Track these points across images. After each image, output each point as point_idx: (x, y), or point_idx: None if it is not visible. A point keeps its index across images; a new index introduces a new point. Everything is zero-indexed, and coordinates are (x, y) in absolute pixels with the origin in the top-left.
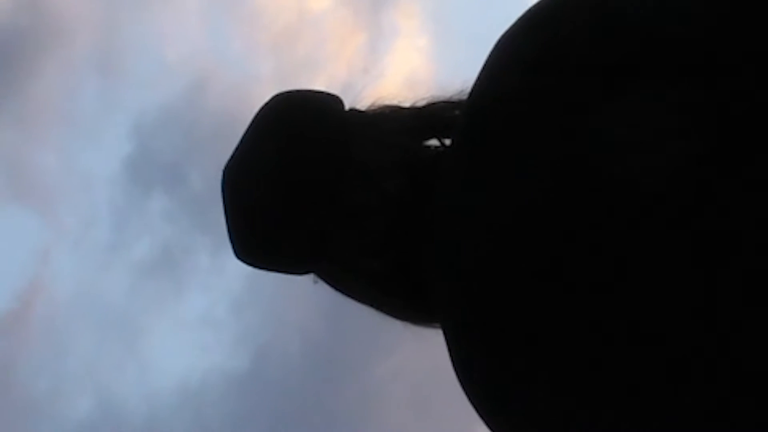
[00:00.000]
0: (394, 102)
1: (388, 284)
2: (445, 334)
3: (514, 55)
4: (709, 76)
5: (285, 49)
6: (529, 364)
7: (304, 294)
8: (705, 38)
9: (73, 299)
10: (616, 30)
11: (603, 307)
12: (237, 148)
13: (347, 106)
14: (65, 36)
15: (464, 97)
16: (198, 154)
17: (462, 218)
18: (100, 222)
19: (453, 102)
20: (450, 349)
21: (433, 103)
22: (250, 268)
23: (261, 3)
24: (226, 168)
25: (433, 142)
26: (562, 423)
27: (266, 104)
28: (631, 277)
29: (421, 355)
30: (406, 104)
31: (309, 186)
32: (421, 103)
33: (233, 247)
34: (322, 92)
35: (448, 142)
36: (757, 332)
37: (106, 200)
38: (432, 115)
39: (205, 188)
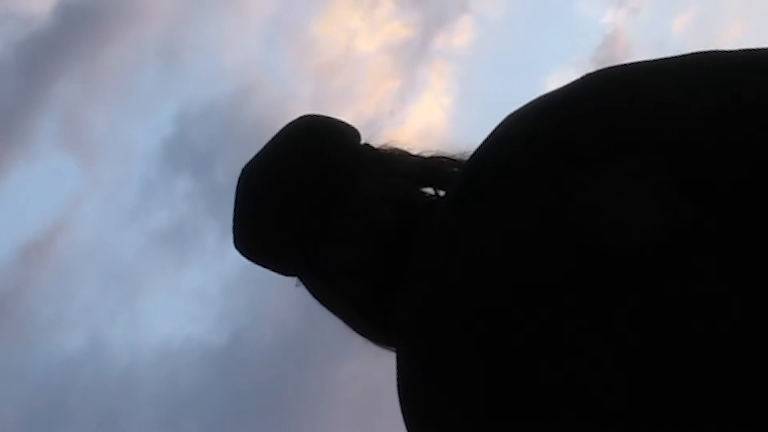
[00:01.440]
0: (405, 148)
1: (357, 303)
2: (397, 357)
3: (515, 133)
4: (677, 168)
5: (326, 78)
6: (454, 399)
7: (286, 292)
8: (679, 137)
9: (89, 245)
10: (601, 126)
11: (531, 372)
12: (259, 153)
13: (364, 141)
14: (141, 18)
15: (465, 158)
16: (228, 151)
17: (432, 267)
18: (129, 186)
19: (455, 160)
20: (398, 370)
21: (437, 157)
22: (244, 260)
23: (316, 33)
24: (244, 167)
25: (430, 191)
26: None
27: (294, 120)
28: (564, 347)
29: (377, 369)
30: (415, 152)
31: (309, 201)
32: (427, 155)
33: (233, 236)
34: (344, 123)
35: (442, 193)
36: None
37: (140, 169)
38: (434, 168)
39: (226, 181)
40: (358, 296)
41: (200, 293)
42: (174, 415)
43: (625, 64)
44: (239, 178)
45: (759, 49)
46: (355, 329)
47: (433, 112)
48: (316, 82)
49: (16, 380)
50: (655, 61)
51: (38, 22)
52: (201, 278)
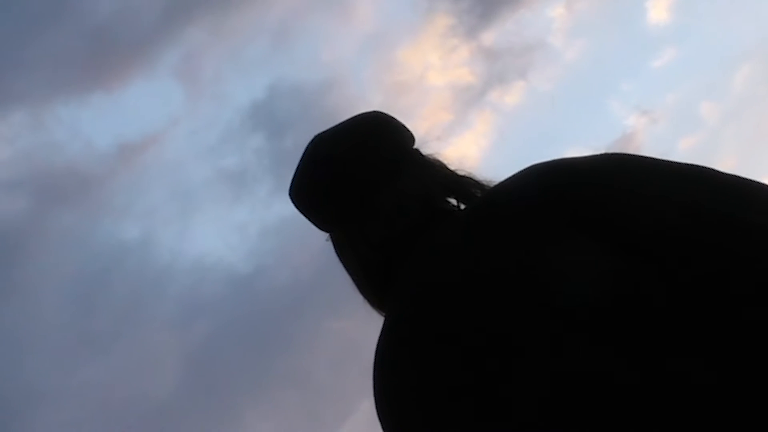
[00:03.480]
0: (445, 161)
1: (369, 269)
2: (383, 327)
3: (534, 182)
4: (623, 246)
5: (396, 94)
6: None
7: (307, 252)
8: (631, 222)
9: (170, 161)
10: (600, 199)
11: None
12: (332, 127)
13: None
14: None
15: (488, 185)
16: (301, 127)
17: (424, 265)
18: (216, 127)
19: (480, 184)
20: (380, 338)
21: (468, 178)
22: (288, 213)
23: (400, 57)
24: (317, 134)
25: (453, 201)
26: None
27: (369, 111)
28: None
29: (360, 331)
30: (452, 167)
31: (359, 179)
32: (460, 173)
33: (290, 185)
34: (405, 127)
35: (462, 207)
36: None
37: (228, 116)
38: (462, 184)
39: (292, 150)
40: (370, 265)
41: (241, 229)
42: (188, 315)
43: (639, 157)
44: (310, 141)
45: (744, 178)
46: (359, 289)
47: (470, 148)
48: (386, 95)
49: (77, 246)
50: (663, 162)
51: None
52: (246, 218)
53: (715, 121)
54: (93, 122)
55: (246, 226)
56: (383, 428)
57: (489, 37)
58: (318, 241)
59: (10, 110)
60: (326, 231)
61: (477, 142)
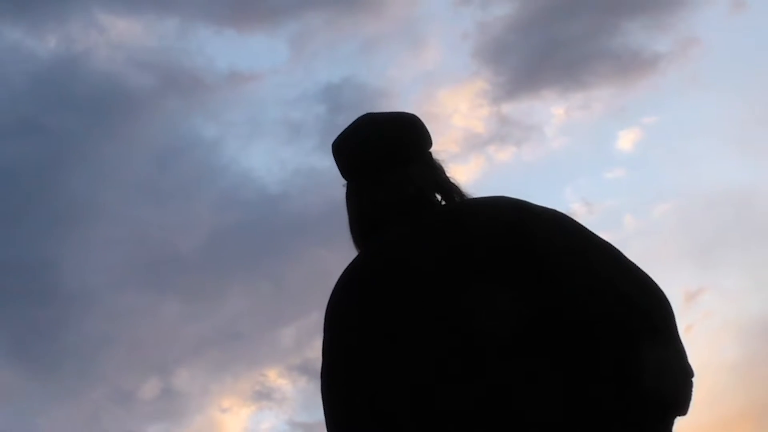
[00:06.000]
0: (446, 168)
1: (362, 219)
2: (349, 264)
3: (495, 212)
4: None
5: (425, 119)
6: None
7: (323, 198)
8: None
9: (258, 95)
10: (547, 248)
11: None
12: (380, 113)
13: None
14: (379, 16)
15: (467, 196)
16: (352, 112)
17: (392, 238)
18: (297, 87)
19: (462, 194)
20: (343, 272)
21: (456, 185)
22: (319, 167)
23: (439, 95)
24: (367, 113)
25: (439, 197)
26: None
27: (411, 113)
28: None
29: (334, 268)
30: (447, 173)
31: (381, 153)
32: (452, 180)
33: (336, 138)
34: (429, 134)
35: (443, 203)
36: None
37: (308, 85)
38: (450, 189)
39: (340, 125)
40: (364, 216)
41: (283, 163)
42: (223, 204)
43: (578, 226)
44: (362, 115)
45: (638, 268)
46: (350, 229)
47: (458, 177)
48: (412, 109)
49: (170, 124)
50: (590, 233)
51: None
52: (290, 157)
53: (631, 231)
54: (220, 48)
55: (287, 162)
56: (324, 336)
57: (507, 108)
58: (331, 193)
59: (167, 16)
60: (345, 179)
61: (465, 175)
